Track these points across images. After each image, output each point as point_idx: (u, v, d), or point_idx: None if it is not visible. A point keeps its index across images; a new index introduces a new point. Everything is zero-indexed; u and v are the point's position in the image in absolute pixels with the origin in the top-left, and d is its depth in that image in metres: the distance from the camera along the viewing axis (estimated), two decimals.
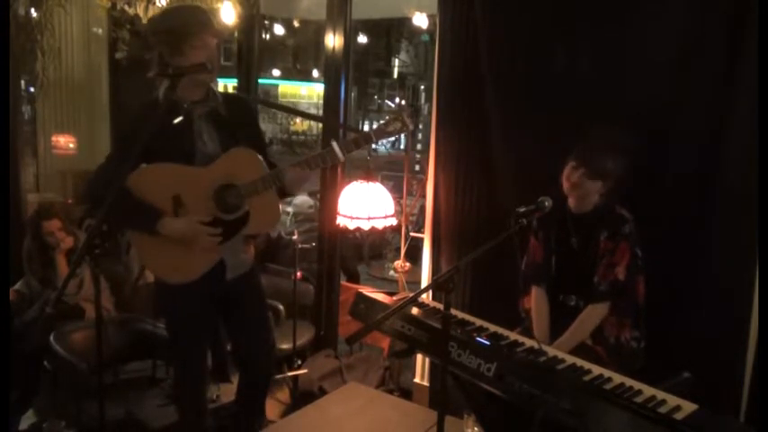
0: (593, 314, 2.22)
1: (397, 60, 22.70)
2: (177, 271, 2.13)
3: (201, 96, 2.15)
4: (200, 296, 2.21)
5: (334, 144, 2.06)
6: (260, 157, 2.09)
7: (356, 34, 11.06)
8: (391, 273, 6.00)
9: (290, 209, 5.83)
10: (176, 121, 2.06)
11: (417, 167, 8.50)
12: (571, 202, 2.34)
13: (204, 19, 2.07)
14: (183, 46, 2.00)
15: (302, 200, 5.31)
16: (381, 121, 2.14)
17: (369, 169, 3.38)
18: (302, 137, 23.87)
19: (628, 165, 2.26)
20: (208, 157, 2.11)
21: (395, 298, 2.45)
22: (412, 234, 3.82)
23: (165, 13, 2.23)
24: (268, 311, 2.55)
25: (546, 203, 2.13)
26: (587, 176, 2.25)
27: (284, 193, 2.18)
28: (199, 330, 2.32)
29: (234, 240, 2.13)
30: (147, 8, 3.85)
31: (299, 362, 3.60)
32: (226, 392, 2.92)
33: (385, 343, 3.73)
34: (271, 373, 2.54)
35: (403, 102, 24.86)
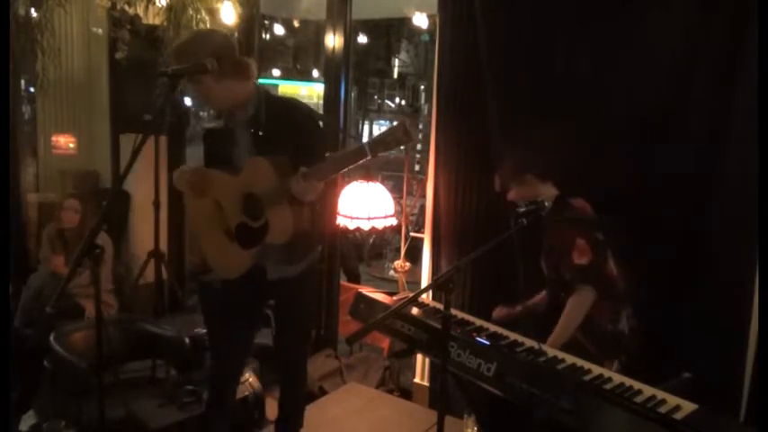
0: (574, 304, 2.19)
1: (397, 60, 22.68)
2: (225, 267, 2.21)
3: (243, 102, 2.14)
4: (239, 289, 2.22)
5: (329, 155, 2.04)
6: (272, 168, 2.03)
7: (356, 34, 11.05)
8: (391, 273, 6.01)
9: None
10: (209, 126, 2.18)
11: (417, 167, 8.51)
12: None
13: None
14: None
15: None
16: (381, 130, 2.00)
17: (369, 169, 3.38)
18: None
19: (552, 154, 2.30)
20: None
21: (395, 298, 2.45)
22: (412, 234, 3.83)
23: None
24: (307, 324, 2.55)
25: (546, 203, 2.13)
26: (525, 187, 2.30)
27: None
28: (232, 324, 2.33)
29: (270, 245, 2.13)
30: (147, 8, 3.85)
31: None
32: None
33: (385, 343, 3.73)
34: (299, 384, 2.54)
35: (403, 102, 24.85)
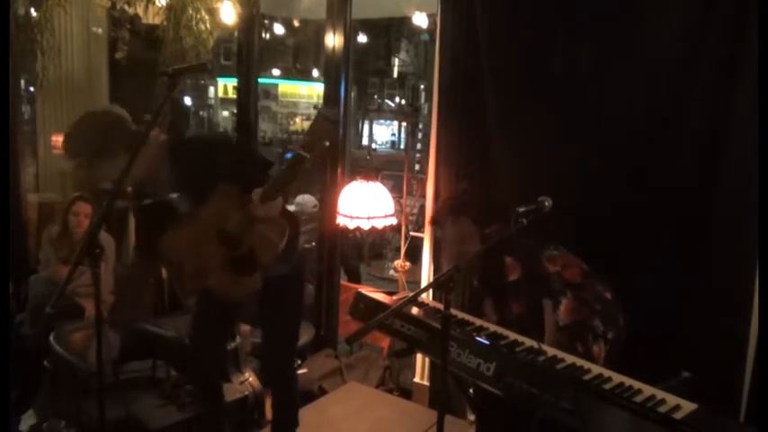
0: (545, 312, 2.23)
1: (396, 60, 22.69)
2: (238, 293, 2.21)
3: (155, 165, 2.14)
4: None
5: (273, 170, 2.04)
6: (223, 202, 2.05)
7: (356, 34, 11.06)
8: (391, 272, 6.00)
9: (292, 208, 5.81)
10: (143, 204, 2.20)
11: (417, 167, 8.52)
12: None
13: None
14: None
15: (307, 198, 5.29)
16: (305, 133, 1.96)
17: (369, 169, 3.38)
18: (302, 137, 23.86)
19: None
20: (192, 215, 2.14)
21: (395, 298, 2.45)
22: (412, 234, 3.83)
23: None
24: (295, 323, 2.53)
25: (546, 203, 2.13)
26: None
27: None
28: (219, 323, 2.40)
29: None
30: (146, 8, 3.86)
31: (299, 362, 3.60)
32: (226, 392, 2.92)
33: (385, 343, 3.73)
34: (290, 383, 2.52)
35: (403, 101, 24.86)
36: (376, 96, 25.47)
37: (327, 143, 1.93)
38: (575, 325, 2.18)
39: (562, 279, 2.21)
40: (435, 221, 2.41)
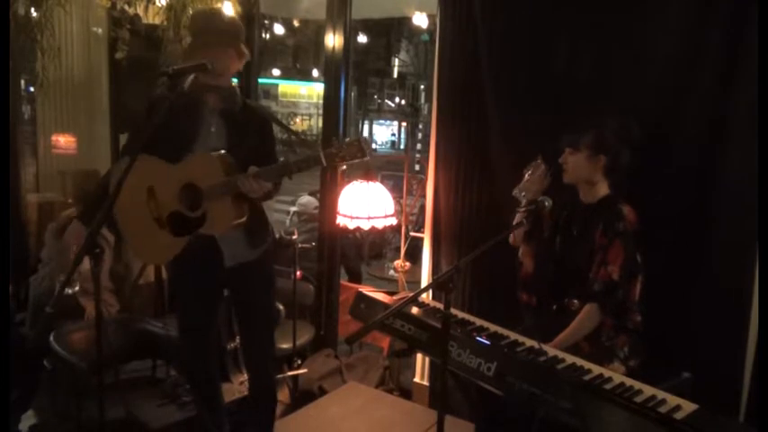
0: (591, 313, 2.17)
1: (396, 60, 22.73)
2: (150, 253, 2.33)
3: (220, 96, 2.22)
4: (200, 279, 2.30)
5: (288, 158, 2.06)
6: (219, 164, 2.07)
7: (356, 34, 11.06)
8: (391, 272, 6.01)
9: (292, 209, 5.81)
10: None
11: (417, 167, 8.53)
12: (580, 192, 2.33)
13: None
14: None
15: (307, 200, 5.29)
16: (338, 143, 1.95)
17: (369, 169, 3.38)
18: (302, 137, 23.99)
19: (618, 144, 2.25)
20: (207, 149, 2.16)
21: (395, 298, 2.45)
22: (412, 234, 3.83)
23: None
24: (272, 309, 2.56)
25: (546, 203, 2.14)
26: (570, 153, 2.27)
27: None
28: (200, 312, 2.38)
29: (232, 230, 2.17)
30: (147, 8, 3.86)
31: (299, 362, 3.60)
32: (226, 393, 2.92)
33: (385, 343, 3.74)
34: (269, 376, 2.51)
35: (403, 101, 24.89)
36: (376, 96, 25.50)
37: (345, 166, 1.93)
38: (606, 346, 2.17)
39: (633, 300, 2.20)
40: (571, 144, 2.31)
